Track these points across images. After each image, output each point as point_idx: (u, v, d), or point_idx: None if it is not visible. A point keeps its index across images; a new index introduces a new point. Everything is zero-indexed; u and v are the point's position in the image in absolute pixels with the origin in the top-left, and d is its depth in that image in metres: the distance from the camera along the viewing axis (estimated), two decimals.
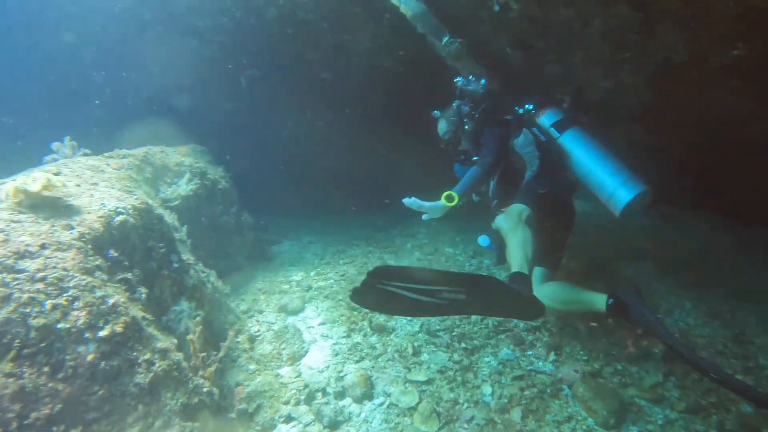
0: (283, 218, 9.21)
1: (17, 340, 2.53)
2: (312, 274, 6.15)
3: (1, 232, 2.81)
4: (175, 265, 3.86)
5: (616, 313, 3.71)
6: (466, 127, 4.79)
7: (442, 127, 5.07)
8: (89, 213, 3.24)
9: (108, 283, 3.01)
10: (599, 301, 3.81)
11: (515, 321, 4.77)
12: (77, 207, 3.28)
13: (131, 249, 3.42)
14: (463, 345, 4.63)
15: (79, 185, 3.64)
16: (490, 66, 5.69)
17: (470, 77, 5.14)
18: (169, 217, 4.18)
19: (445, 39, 5.52)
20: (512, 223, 3.86)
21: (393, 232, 8.00)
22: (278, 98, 8.51)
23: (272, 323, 4.96)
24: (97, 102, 8.00)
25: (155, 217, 3.85)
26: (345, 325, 4.89)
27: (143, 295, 3.29)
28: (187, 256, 4.39)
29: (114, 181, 4.00)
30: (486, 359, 4.39)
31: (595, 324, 4.56)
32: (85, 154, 4.79)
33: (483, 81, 4.99)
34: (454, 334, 4.73)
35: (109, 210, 3.32)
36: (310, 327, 4.90)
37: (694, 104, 4.54)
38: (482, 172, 4.35)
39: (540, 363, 4.33)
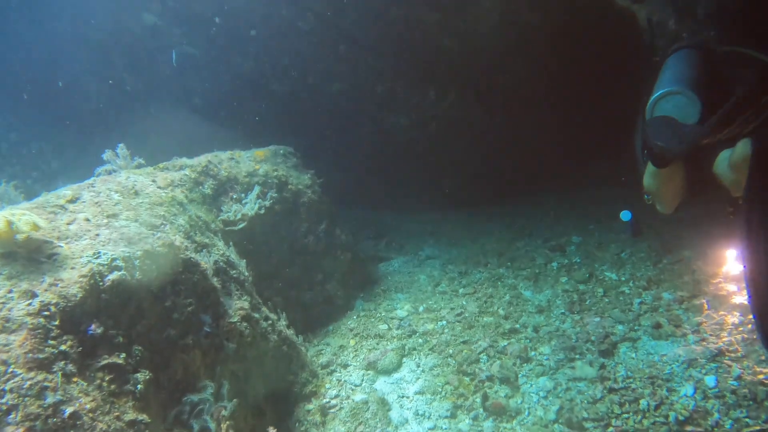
0: (407, 217, 8.31)
1: None
2: (421, 309, 5.05)
3: None
4: (207, 329, 3.03)
5: None
6: None
7: None
8: (73, 269, 2.51)
9: (76, 378, 2.23)
10: None
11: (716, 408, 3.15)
12: (63, 257, 2.58)
13: (133, 316, 2.64)
14: None
15: (88, 219, 2.98)
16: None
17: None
18: (208, 261, 3.37)
19: None
20: None
21: (536, 241, 6.51)
22: (393, 76, 7.47)
23: (355, 387, 3.99)
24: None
25: (183, 264, 3.07)
26: (450, 398, 3.73)
27: (140, 386, 2.48)
28: (241, 303, 3.58)
29: (143, 210, 3.31)
30: None
31: None
32: (139, 165, 4.26)
33: None
34: (610, 430, 3.27)
35: (100, 264, 2.56)
36: (403, 397, 3.84)
37: None
38: None
39: None
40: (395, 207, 8.97)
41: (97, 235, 2.87)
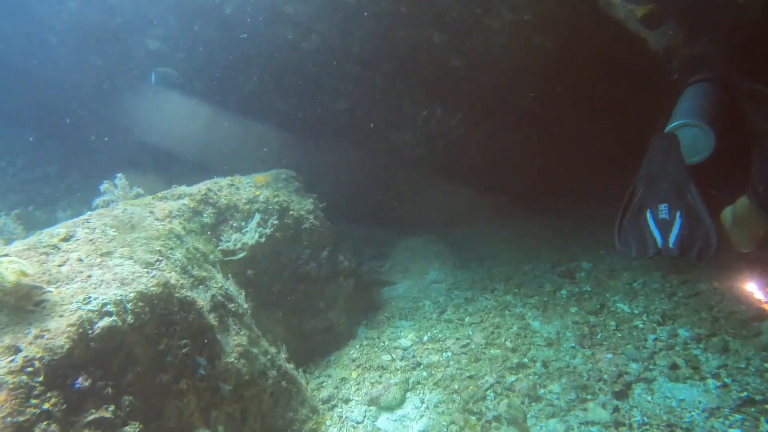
0: (413, 235, 8.18)
1: None
2: (425, 338, 4.91)
3: None
4: (202, 371, 2.92)
5: None
6: None
7: None
8: (61, 316, 2.40)
9: None
10: None
11: None
12: (52, 304, 2.48)
13: (124, 363, 2.53)
14: None
15: (81, 259, 2.88)
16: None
17: None
18: (205, 296, 3.26)
19: None
20: None
21: (544, 266, 6.35)
22: (400, 94, 7.39)
23: (357, 424, 3.87)
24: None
25: (178, 303, 2.96)
26: None
27: None
28: (239, 339, 3.46)
29: (139, 246, 3.21)
30: None
31: None
32: (138, 195, 4.18)
33: None
34: None
35: (90, 311, 2.45)
36: None
37: None
38: None
39: None
40: (401, 224, 8.85)
41: (89, 276, 2.77)
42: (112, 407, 2.39)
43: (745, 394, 3.32)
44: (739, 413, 3.21)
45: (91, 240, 3.15)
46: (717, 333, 4.04)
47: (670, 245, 2.78)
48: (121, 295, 2.65)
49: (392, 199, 8.67)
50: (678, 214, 2.81)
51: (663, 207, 2.89)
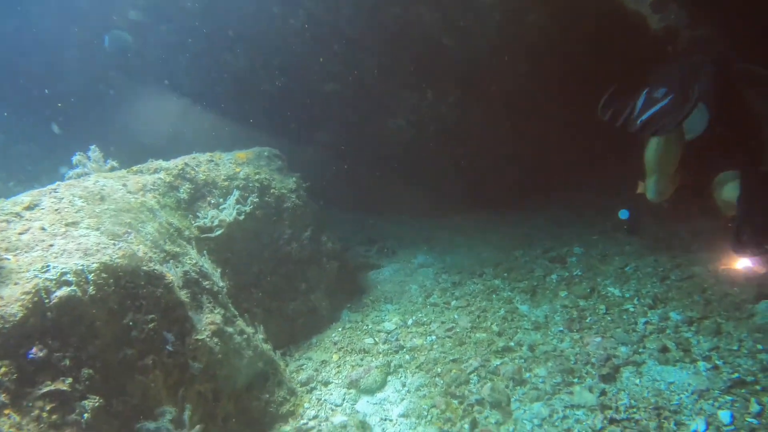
0: (402, 222, 8.11)
1: None
2: (410, 322, 4.84)
3: None
4: (170, 348, 2.82)
5: None
6: None
7: None
8: (16, 284, 2.31)
9: (8, 410, 2.04)
10: None
11: None
12: (9, 271, 2.39)
13: (84, 336, 2.43)
14: None
15: (43, 228, 2.77)
16: None
17: None
18: (177, 272, 3.16)
19: None
20: None
21: (535, 251, 6.28)
22: (390, 76, 7.26)
23: (336, 407, 3.79)
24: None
25: (145, 277, 2.85)
26: (436, 423, 3.53)
27: (87, 414, 2.28)
28: (212, 317, 3.37)
29: (107, 217, 3.10)
30: None
31: None
32: (112, 168, 4.07)
33: None
34: None
35: (47, 279, 2.35)
36: (385, 420, 3.63)
37: None
38: None
39: None
40: (390, 211, 8.77)
41: (51, 245, 2.67)
42: (69, 380, 2.30)
43: (736, 375, 3.26)
44: (729, 394, 3.14)
45: (56, 210, 3.05)
46: (709, 315, 3.98)
47: (637, 121, 3.24)
48: (82, 265, 2.55)
49: (381, 185, 8.56)
50: (669, 98, 3.16)
51: (662, 90, 3.23)
